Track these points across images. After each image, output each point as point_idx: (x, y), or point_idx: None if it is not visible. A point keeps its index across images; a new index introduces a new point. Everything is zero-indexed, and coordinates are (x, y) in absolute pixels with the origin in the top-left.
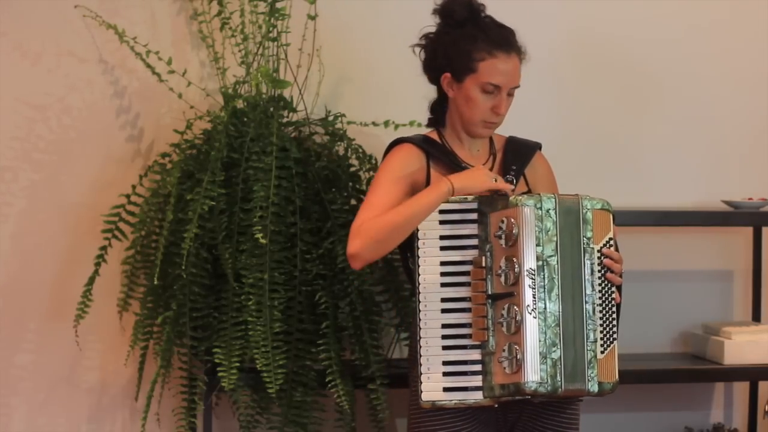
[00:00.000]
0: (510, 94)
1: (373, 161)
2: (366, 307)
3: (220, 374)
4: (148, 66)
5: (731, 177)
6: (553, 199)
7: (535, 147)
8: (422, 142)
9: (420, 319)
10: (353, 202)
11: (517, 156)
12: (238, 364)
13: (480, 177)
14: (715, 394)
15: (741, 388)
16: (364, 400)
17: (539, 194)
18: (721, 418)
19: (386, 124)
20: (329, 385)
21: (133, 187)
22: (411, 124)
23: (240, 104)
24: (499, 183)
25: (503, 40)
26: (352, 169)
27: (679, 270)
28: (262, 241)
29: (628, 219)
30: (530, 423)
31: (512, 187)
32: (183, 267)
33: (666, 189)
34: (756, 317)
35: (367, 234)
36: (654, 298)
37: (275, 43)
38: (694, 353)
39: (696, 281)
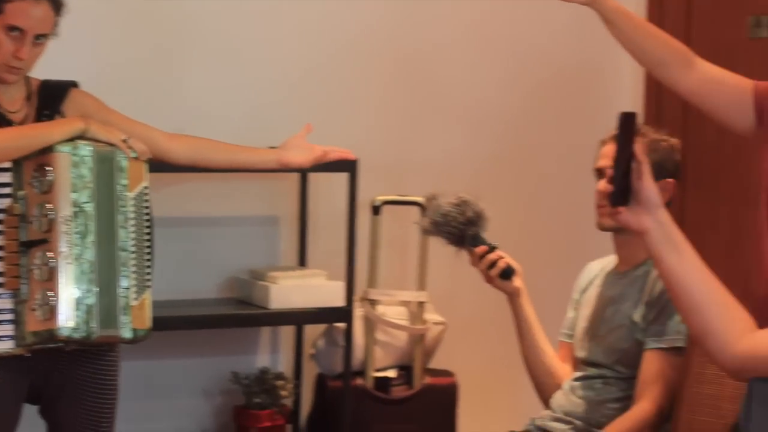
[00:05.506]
0: (38, 44)
1: None
2: None
3: None
4: None
5: None
6: (90, 147)
7: (68, 86)
8: None
9: None
10: None
11: (50, 99)
12: None
13: (115, 132)
14: (261, 338)
15: (287, 333)
16: None
17: (75, 140)
18: (267, 362)
19: None
20: None
21: None
22: None
23: None
24: (131, 143)
25: None
26: None
27: (226, 216)
28: None
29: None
30: (68, 371)
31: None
32: None
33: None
34: (302, 262)
35: None
36: (200, 244)
37: None
38: (240, 298)
39: (243, 227)
